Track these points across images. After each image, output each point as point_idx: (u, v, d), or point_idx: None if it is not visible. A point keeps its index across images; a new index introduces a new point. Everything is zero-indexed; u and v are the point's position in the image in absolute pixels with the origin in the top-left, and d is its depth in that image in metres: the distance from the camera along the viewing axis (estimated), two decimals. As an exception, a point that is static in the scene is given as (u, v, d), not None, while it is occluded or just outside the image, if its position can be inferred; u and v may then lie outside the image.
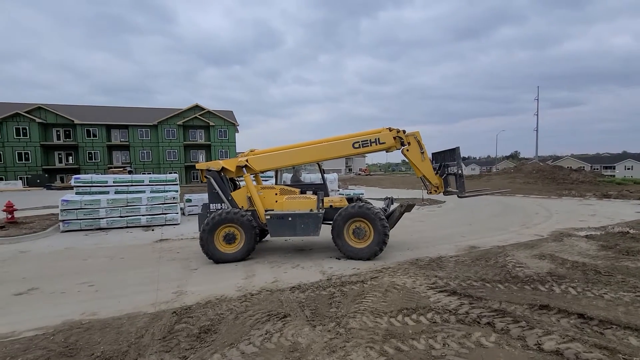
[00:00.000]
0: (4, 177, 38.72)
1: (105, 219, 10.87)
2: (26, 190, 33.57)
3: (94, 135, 42.85)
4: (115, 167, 33.99)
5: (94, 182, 11.51)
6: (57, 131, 42.24)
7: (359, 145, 7.10)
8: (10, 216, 10.64)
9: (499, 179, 32.03)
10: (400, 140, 7.11)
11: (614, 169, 67.23)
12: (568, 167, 41.63)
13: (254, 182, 7.63)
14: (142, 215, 11.34)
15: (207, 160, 46.67)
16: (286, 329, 3.80)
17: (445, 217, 12.69)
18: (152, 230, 10.80)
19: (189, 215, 13.92)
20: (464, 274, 5.54)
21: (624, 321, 3.56)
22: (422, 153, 7.15)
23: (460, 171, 7.01)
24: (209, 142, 46.39)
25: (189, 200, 14.11)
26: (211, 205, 7.29)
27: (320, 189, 7.64)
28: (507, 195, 19.38)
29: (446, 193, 7.45)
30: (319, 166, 7.90)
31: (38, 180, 37.60)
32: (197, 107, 45.93)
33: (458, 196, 7.18)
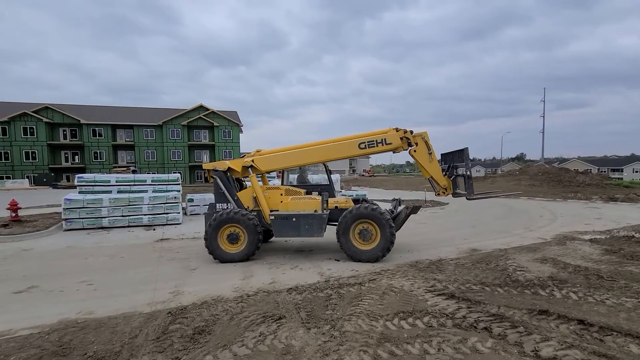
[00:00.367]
0: (11, 175, 39.25)
1: (107, 218, 10.94)
2: (32, 189, 33.97)
3: (100, 135, 43.27)
4: (119, 167, 34.28)
5: (97, 182, 11.59)
6: (64, 131, 42.73)
7: (365, 145, 7.02)
8: (14, 214, 10.76)
9: (504, 181, 31.73)
10: (408, 140, 7.00)
11: (622, 171, 66.33)
12: (574, 169, 41.12)
13: (260, 183, 7.62)
14: (144, 215, 11.40)
15: (211, 161, 46.92)
16: (280, 331, 3.77)
17: (448, 219, 12.59)
18: (154, 229, 10.84)
19: (190, 215, 13.98)
20: (463, 277, 5.47)
21: (625, 328, 3.47)
22: (430, 154, 7.02)
23: (468, 172, 6.88)
24: (213, 143, 46.61)
25: (191, 200, 14.17)
26: (217, 205, 7.30)
27: (326, 190, 7.60)
28: (512, 198, 19.18)
29: (455, 195, 7.30)
30: (325, 167, 7.86)
31: (44, 179, 38.05)
32: (201, 108, 46.20)
33: (467, 198, 7.04)
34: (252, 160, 7.30)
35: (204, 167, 7.64)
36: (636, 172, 65.09)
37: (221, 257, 6.80)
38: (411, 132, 7.03)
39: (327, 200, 7.25)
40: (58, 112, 41.48)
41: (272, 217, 6.94)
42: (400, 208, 7.73)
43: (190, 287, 5.42)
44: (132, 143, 44.57)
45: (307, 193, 7.44)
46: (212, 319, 4.13)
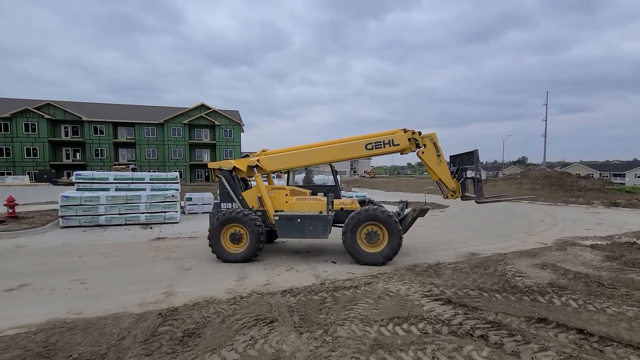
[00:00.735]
0: (12, 171, 39.26)
1: (104, 216, 10.88)
2: (33, 185, 33.99)
3: (101, 133, 43.27)
4: (119, 164, 34.26)
5: (95, 179, 11.53)
6: (65, 127, 42.77)
7: (372, 146, 6.91)
8: (11, 211, 10.71)
9: (505, 184, 31.55)
10: (416, 142, 6.87)
11: (624, 176, 66.03)
12: (576, 173, 40.96)
13: (265, 183, 7.54)
14: (141, 213, 11.33)
15: (212, 160, 46.89)
16: (272, 335, 3.68)
17: (447, 222, 12.48)
18: (151, 228, 10.77)
19: (189, 214, 13.91)
20: (461, 282, 5.37)
21: (625, 338, 3.37)
22: (439, 156, 6.88)
23: (478, 175, 6.73)
24: (214, 142, 46.57)
25: (190, 199, 14.11)
26: (222, 204, 7.23)
27: (331, 191, 7.49)
28: (513, 201, 19.02)
29: (464, 198, 7.16)
30: (332, 167, 7.76)
31: (45, 176, 38.08)
32: (203, 107, 46.17)
33: (476, 201, 6.90)
34: (258, 160, 7.22)
35: (209, 166, 7.57)
36: (638, 177, 64.77)
37: (224, 257, 6.74)
38: (419, 133, 6.91)
39: (332, 202, 7.14)
40: (60, 109, 41.50)
41: (277, 218, 6.86)
42: (407, 211, 7.61)
43: (184, 288, 5.34)
44: (133, 141, 44.56)
45: (313, 194, 7.35)
46: (203, 321, 4.04)
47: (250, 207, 7.12)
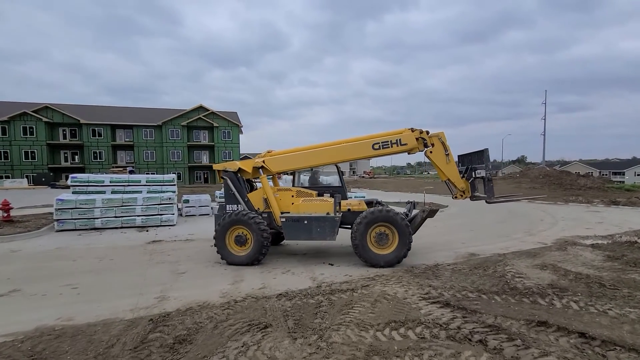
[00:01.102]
0: (10, 175, 39.16)
1: (100, 219, 10.77)
2: (31, 188, 33.86)
3: (99, 135, 43.17)
4: (117, 167, 34.13)
5: (91, 182, 11.43)
6: (64, 130, 42.66)
7: (379, 146, 6.81)
8: (6, 214, 10.59)
9: (504, 183, 31.46)
10: (424, 141, 6.77)
11: (624, 175, 65.95)
12: (576, 172, 40.84)
13: (271, 184, 7.44)
14: (138, 216, 11.22)
15: (210, 161, 46.80)
16: (265, 341, 3.58)
17: (447, 223, 12.37)
18: (147, 231, 10.67)
19: (186, 216, 13.81)
20: (459, 283, 5.27)
21: (629, 342, 3.27)
22: (447, 155, 6.77)
23: (489, 175, 6.64)
24: (213, 143, 46.48)
25: (187, 201, 14.01)
26: (227, 206, 7.15)
27: (338, 192, 7.38)
28: (515, 201, 18.88)
29: (473, 198, 7.05)
30: (337, 168, 7.65)
31: (43, 179, 37.95)
32: (201, 108, 46.09)
33: (486, 201, 6.80)
34: (263, 161, 7.12)
35: (214, 168, 7.50)
36: (638, 175, 64.69)
37: (229, 260, 6.68)
38: (427, 132, 6.81)
39: (339, 203, 7.02)
40: (58, 111, 41.42)
41: (283, 220, 6.76)
42: (415, 212, 7.50)
43: (177, 292, 5.24)
44: (132, 143, 44.46)
45: (319, 195, 7.25)
46: (195, 327, 3.94)
47: (256, 208, 7.02)
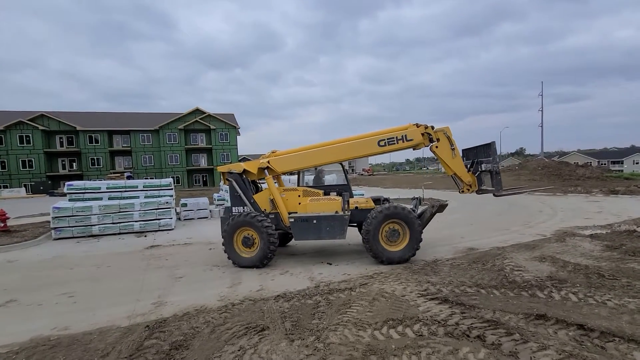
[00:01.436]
0: (8, 184, 39.05)
1: (97, 226, 10.73)
2: (29, 197, 33.78)
3: (96, 142, 43.05)
4: (114, 173, 34.04)
5: (87, 189, 11.38)
6: (60, 138, 42.53)
7: (385, 143, 6.77)
8: (2, 225, 10.54)
9: (504, 176, 31.12)
10: (429, 136, 6.76)
11: (622, 163, 66.00)
12: (574, 162, 40.85)
13: (276, 184, 7.39)
14: (135, 221, 11.18)
15: (208, 164, 46.73)
16: (262, 344, 3.55)
17: (445, 217, 12.28)
18: (145, 236, 10.62)
19: (185, 220, 13.77)
20: (458, 279, 5.24)
21: (628, 333, 3.24)
22: (453, 149, 6.78)
23: (496, 168, 6.66)
24: (210, 146, 46.38)
25: (185, 205, 13.97)
26: (233, 208, 7.08)
27: (343, 190, 7.33)
28: (521, 193, 18.78)
29: (479, 192, 7.07)
30: (342, 166, 7.60)
31: (41, 187, 37.86)
32: (197, 111, 45.97)
33: (494, 195, 6.81)
34: (268, 162, 7.04)
35: (218, 170, 7.40)
36: (636, 163, 64.74)
37: (238, 262, 6.67)
38: (432, 127, 6.81)
39: (348, 201, 6.97)
40: (54, 119, 41.29)
41: (292, 220, 6.71)
42: (423, 207, 7.47)
43: (175, 297, 5.20)
44: (129, 148, 44.35)
45: (325, 194, 7.20)
46: (191, 333, 3.91)
47: (263, 210, 6.96)
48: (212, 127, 45.87)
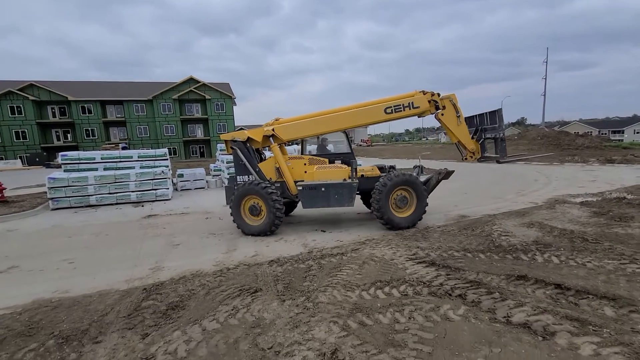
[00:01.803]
0: (3, 156, 38.79)
1: (94, 196, 10.80)
2: (25, 169, 33.69)
3: (89, 112, 42.26)
4: (109, 144, 33.72)
5: (82, 159, 11.34)
6: (52, 108, 41.68)
7: (392, 110, 6.75)
8: (0, 195, 10.61)
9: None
10: (435, 103, 6.76)
11: (623, 133, 65.68)
12: (575, 132, 40.62)
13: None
14: (132, 192, 11.25)
15: (205, 135, 46.24)
16: (254, 304, 3.71)
17: (441, 186, 12.37)
18: (142, 206, 10.74)
19: (181, 190, 13.86)
20: (447, 244, 5.39)
21: (602, 290, 3.40)
22: (458, 117, 6.83)
23: (502, 135, 6.80)
24: (206, 116, 45.67)
25: (181, 175, 14.00)
26: (238, 177, 7.07)
27: (347, 158, 7.33)
28: (515, 162, 18.79)
29: (482, 159, 7.23)
30: (346, 134, 7.53)
31: (37, 159, 37.62)
32: (191, 80, 44.78)
33: (498, 161, 7.03)
34: (273, 129, 6.93)
35: (221, 138, 7.30)
36: (637, 133, 64.45)
37: (245, 229, 6.73)
38: (438, 94, 6.80)
39: (356, 169, 6.97)
40: (44, 89, 40.23)
41: (300, 188, 6.73)
42: (429, 175, 7.60)
43: (171, 263, 5.36)
44: (124, 119, 43.66)
45: (330, 162, 7.20)
46: (187, 294, 4.07)
47: (268, 178, 6.96)
48: (207, 97, 44.90)
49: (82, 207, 10.71)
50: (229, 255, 5.60)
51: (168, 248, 6.23)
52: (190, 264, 5.20)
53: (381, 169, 7.54)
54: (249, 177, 7.00)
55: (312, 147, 7.95)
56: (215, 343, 3.01)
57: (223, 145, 14.77)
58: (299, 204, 7.15)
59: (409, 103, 6.73)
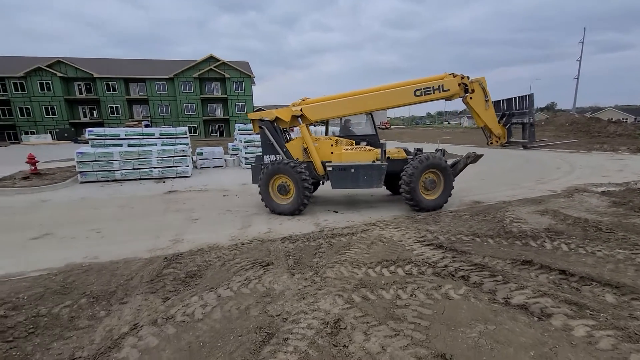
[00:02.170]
0: (35, 131, 40.67)
1: (119, 171, 11.34)
2: (55, 143, 35.34)
3: (114, 89, 43.32)
4: (133, 121, 34.71)
5: (107, 135, 11.84)
6: (79, 85, 42.96)
7: (422, 92, 6.74)
8: (33, 167, 11.30)
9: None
10: (464, 87, 6.74)
11: (662, 121, 61.49)
12: (608, 119, 38.41)
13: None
14: (154, 168, 11.72)
15: (224, 115, 46.71)
16: (266, 276, 3.95)
17: (456, 172, 12.29)
18: (164, 182, 11.21)
19: (200, 168, 14.30)
20: (456, 228, 5.44)
21: (606, 278, 3.41)
22: (487, 101, 6.86)
23: (532, 120, 6.85)
24: (226, 95, 45.94)
25: (200, 154, 14.39)
26: (265, 156, 7.16)
27: (372, 140, 7.41)
28: (540, 149, 18.12)
29: (507, 144, 7.31)
30: (371, 116, 7.55)
31: (66, 134, 39.30)
32: (211, 59, 44.85)
33: (525, 147, 7.14)
34: (301, 109, 6.94)
35: (249, 117, 7.36)
36: (677, 121, 60.18)
37: (273, 208, 6.85)
38: (468, 77, 6.79)
39: (385, 151, 7.00)
40: (71, 66, 41.38)
41: (330, 169, 6.81)
42: (457, 158, 7.70)
43: (190, 236, 5.68)
44: (146, 97, 44.57)
45: (356, 144, 7.28)
46: (204, 265, 4.36)
47: (295, 158, 7.03)
48: (227, 75, 45.00)
49: (108, 181, 11.29)
50: (244, 231, 5.88)
51: (187, 222, 6.57)
52: (208, 238, 5.50)
53: (406, 152, 7.57)
54: (275, 156, 7.08)
55: (334, 129, 7.98)
56: (229, 308, 3.26)
57: (241, 125, 15.00)
58: (324, 185, 7.28)
59: (439, 86, 6.69)
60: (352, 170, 6.76)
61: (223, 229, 6.02)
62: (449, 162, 7.20)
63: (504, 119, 7.34)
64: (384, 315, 3.00)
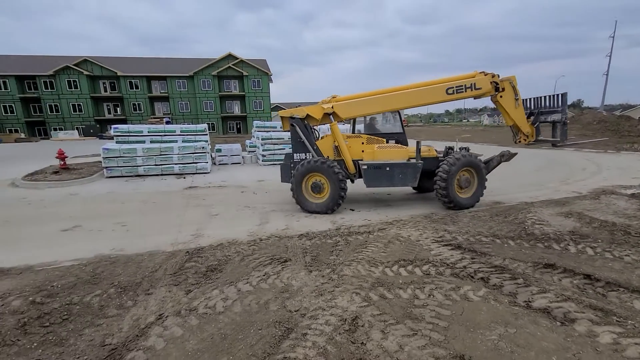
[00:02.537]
0: (62, 127, 42.48)
1: (142, 167, 11.73)
2: (82, 139, 36.80)
3: (136, 87, 44.66)
4: (154, 118, 35.68)
5: (131, 132, 12.24)
6: (104, 83, 44.52)
7: (454, 91, 6.74)
8: (62, 162, 11.84)
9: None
10: (495, 85, 6.76)
11: (698, 120, 57.86)
12: (639, 117, 36.54)
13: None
14: (175, 164, 12.06)
15: (242, 112, 47.33)
16: (284, 272, 4.03)
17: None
18: (184, 178, 11.52)
19: (219, 164, 14.59)
20: (476, 229, 5.36)
21: (634, 284, 3.30)
22: (517, 99, 6.88)
23: (564, 119, 6.86)
24: (243, 93, 46.54)
25: (219, 150, 14.67)
26: (295, 154, 7.09)
27: (399, 138, 7.40)
28: (563, 149, 17.51)
29: (534, 142, 7.33)
30: (399, 114, 7.54)
31: (91, 131, 40.87)
32: (230, 57, 45.49)
33: (555, 145, 7.21)
34: (333, 107, 6.86)
35: (279, 114, 7.32)
36: None
37: (306, 207, 6.79)
38: (498, 76, 6.83)
39: (419, 149, 6.94)
40: (97, 64, 42.92)
41: (365, 167, 6.77)
42: (491, 156, 7.67)
43: (210, 231, 5.84)
44: (167, 94, 45.72)
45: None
46: (224, 259, 4.48)
47: (326, 157, 6.98)
48: (244, 73, 45.56)
49: (132, 176, 11.70)
50: (262, 227, 5.98)
51: (207, 217, 6.75)
52: (227, 233, 5.64)
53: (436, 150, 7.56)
54: (306, 154, 7.02)
55: (359, 127, 7.96)
56: (249, 302, 3.35)
57: (259, 122, 15.15)
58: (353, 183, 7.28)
59: (471, 84, 6.67)
60: (387, 169, 6.74)
61: (241, 225, 6.15)
62: (483, 159, 7.16)
63: (532, 117, 7.29)
64: (402, 314, 3.01)
